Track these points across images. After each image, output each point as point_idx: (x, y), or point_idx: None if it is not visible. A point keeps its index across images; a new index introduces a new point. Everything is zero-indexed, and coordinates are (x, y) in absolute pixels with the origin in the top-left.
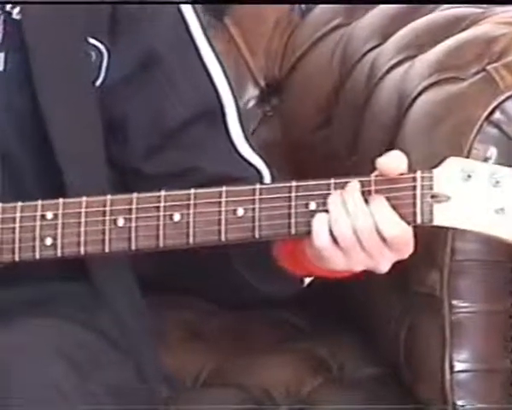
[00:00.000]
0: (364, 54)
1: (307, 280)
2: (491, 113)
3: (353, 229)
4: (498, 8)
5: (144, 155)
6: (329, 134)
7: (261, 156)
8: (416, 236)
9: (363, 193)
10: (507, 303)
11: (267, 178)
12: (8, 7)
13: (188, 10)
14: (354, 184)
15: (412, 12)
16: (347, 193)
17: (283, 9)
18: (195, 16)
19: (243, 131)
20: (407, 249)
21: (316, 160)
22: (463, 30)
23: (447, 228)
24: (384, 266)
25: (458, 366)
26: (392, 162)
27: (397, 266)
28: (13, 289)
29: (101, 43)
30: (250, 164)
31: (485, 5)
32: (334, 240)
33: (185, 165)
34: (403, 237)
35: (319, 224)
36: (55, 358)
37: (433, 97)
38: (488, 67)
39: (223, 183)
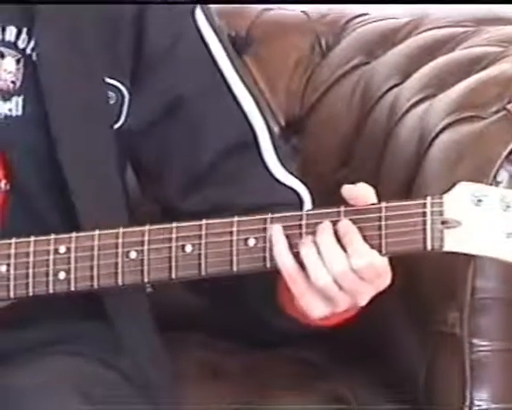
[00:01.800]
0: (385, 92)
1: None
2: None
3: (333, 278)
4: None
5: (181, 194)
6: (350, 173)
7: (299, 178)
8: (436, 273)
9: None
10: None
11: (307, 199)
12: (28, 50)
13: (214, 43)
14: (325, 226)
15: (432, 51)
16: (321, 241)
17: (304, 49)
18: (223, 48)
19: (278, 155)
20: (383, 281)
21: (336, 199)
22: (483, 69)
23: (459, 254)
24: (364, 301)
25: (478, 405)
26: (362, 190)
27: (417, 303)
28: (35, 327)
29: (122, 84)
30: (289, 188)
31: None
32: (316, 290)
33: (223, 199)
34: (376, 267)
35: (298, 285)
36: (73, 394)
37: (454, 136)
38: (508, 106)
39: (263, 211)
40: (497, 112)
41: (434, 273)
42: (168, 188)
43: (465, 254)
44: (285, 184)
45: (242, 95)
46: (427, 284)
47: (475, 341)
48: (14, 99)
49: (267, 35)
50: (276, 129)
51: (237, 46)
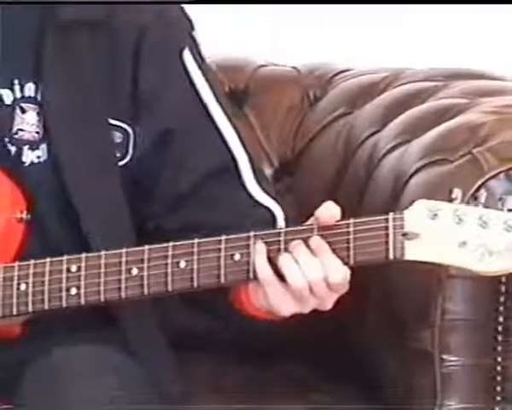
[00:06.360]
0: (365, 139)
1: None
2: (477, 190)
3: (308, 283)
4: (483, 99)
5: (165, 213)
6: None
7: (275, 199)
8: (411, 298)
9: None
10: (491, 358)
11: (280, 216)
12: (38, 97)
13: (200, 80)
14: (298, 242)
15: (407, 102)
16: (297, 252)
17: (295, 100)
18: (208, 84)
19: (257, 178)
20: (345, 288)
21: None
22: (452, 118)
23: (419, 262)
24: (329, 306)
25: None
26: (329, 211)
27: (394, 324)
28: (58, 336)
29: (126, 123)
30: (264, 207)
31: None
32: (287, 288)
33: (204, 218)
34: (345, 280)
35: (273, 288)
36: (111, 378)
37: (426, 177)
38: (474, 151)
39: (239, 228)
40: (463, 156)
41: (410, 298)
42: (156, 207)
43: (424, 262)
44: (261, 204)
45: (224, 126)
46: (403, 306)
47: (445, 356)
48: (42, 147)
49: (262, 88)
50: (270, 170)
51: (237, 98)
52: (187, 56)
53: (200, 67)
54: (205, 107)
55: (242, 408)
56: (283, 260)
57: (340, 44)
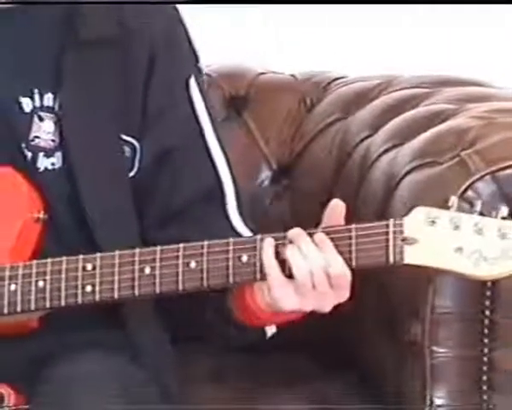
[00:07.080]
0: (359, 142)
1: (269, 332)
2: (465, 191)
3: (310, 270)
4: (470, 105)
5: (158, 226)
6: None
7: (253, 231)
8: (403, 294)
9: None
10: (478, 350)
11: None
12: (56, 107)
13: (201, 108)
14: (300, 233)
15: (399, 108)
16: (300, 243)
17: (292, 105)
18: (207, 114)
19: (240, 209)
20: (345, 293)
21: None
22: (441, 122)
23: (417, 266)
24: (328, 307)
25: (437, 402)
26: (337, 209)
27: (387, 318)
28: (72, 333)
29: (134, 138)
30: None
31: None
32: (290, 278)
33: (188, 237)
34: (345, 278)
35: (278, 280)
36: (113, 386)
37: (416, 178)
38: (462, 154)
39: None
40: (452, 158)
41: (401, 293)
42: (149, 220)
43: (421, 267)
44: (240, 234)
45: (217, 153)
46: (395, 302)
47: (434, 348)
48: (57, 154)
49: (262, 94)
50: (268, 172)
51: (238, 103)
52: (192, 84)
53: (202, 96)
54: (202, 132)
55: (241, 398)
56: (288, 250)
57: (336, 53)
